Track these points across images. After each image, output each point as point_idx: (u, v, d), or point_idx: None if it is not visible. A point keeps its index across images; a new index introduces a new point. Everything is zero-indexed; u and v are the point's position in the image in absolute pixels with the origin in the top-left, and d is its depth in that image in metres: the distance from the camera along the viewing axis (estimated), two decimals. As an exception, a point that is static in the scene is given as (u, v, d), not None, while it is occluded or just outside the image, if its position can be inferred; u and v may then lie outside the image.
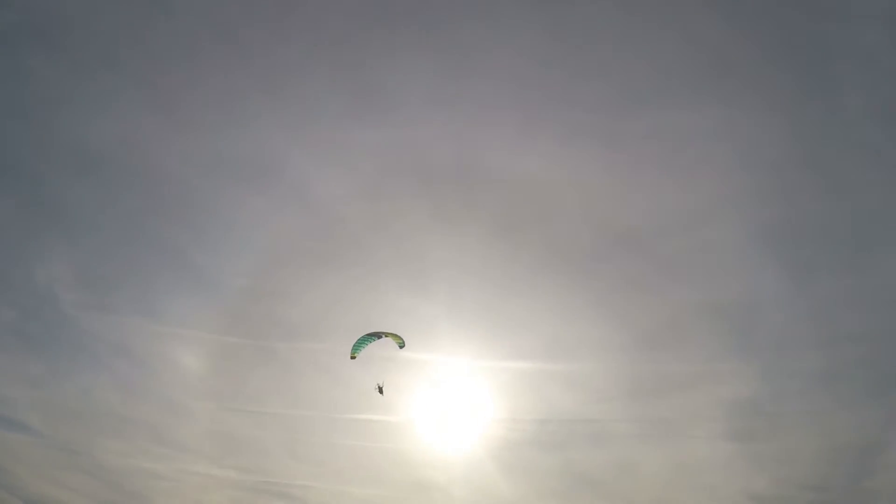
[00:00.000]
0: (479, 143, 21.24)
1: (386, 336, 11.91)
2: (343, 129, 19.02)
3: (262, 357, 20.40)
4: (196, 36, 18.44)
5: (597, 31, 21.33)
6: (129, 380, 19.44)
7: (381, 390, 13.59)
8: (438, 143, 20.95)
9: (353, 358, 11.78)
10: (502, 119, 20.34)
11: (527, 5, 21.05)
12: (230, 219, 19.26)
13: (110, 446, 18.97)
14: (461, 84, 19.44)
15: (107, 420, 18.92)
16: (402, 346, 12.26)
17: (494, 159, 21.96)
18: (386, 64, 18.61)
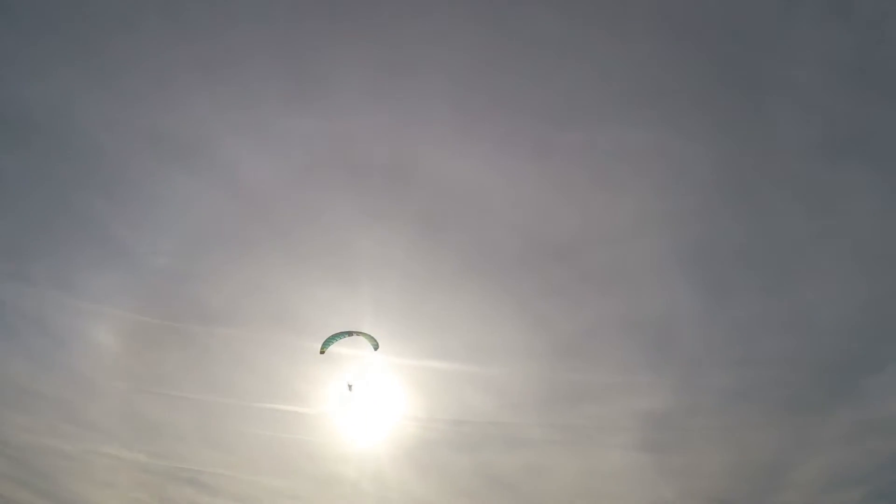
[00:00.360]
0: (414, 141, 21.29)
1: (359, 335, 13.01)
2: (278, 116, 18.88)
3: (179, 340, 20.07)
4: (143, 7, 18.20)
5: (542, 38, 21.61)
6: (40, 353, 18.91)
7: (350, 388, 13.91)
8: (372, 138, 20.93)
9: (322, 353, 13.11)
10: (439, 119, 20.42)
11: (475, 6, 21.21)
12: (157, 196, 18.97)
13: (17, 421, 18.45)
14: (401, 81, 19.49)
15: (14, 394, 18.40)
16: (376, 347, 13.22)
17: (428, 158, 22.03)
18: (327, 55, 18.55)
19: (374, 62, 22.05)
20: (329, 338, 12.56)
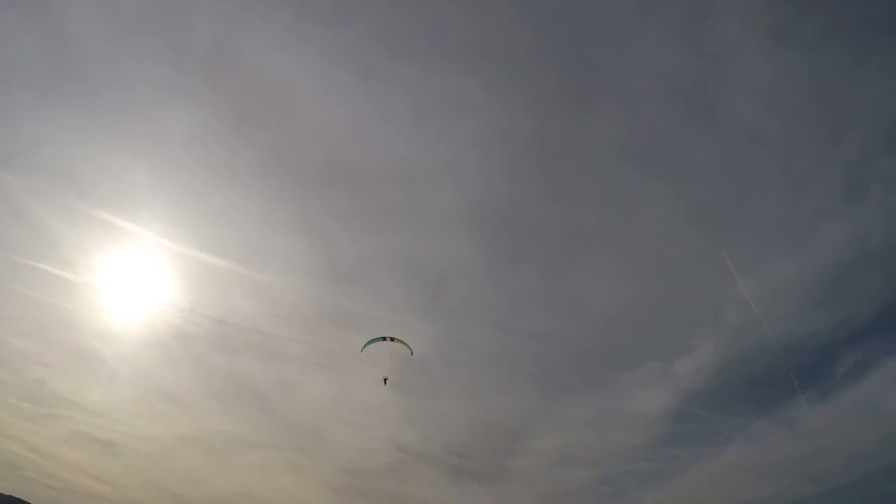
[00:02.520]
0: (243, 30, 21.42)
1: (394, 341, 14.55)
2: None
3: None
4: None
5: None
6: None
7: (385, 381, 15.87)
8: (201, 21, 21.02)
9: (361, 351, 14.75)
10: (277, 16, 20.68)
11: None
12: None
13: None
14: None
15: None
16: (412, 353, 14.73)
17: (255, 52, 22.02)
18: None
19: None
20: (370, 340, 14.61)
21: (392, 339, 14.45)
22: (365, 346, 14.55)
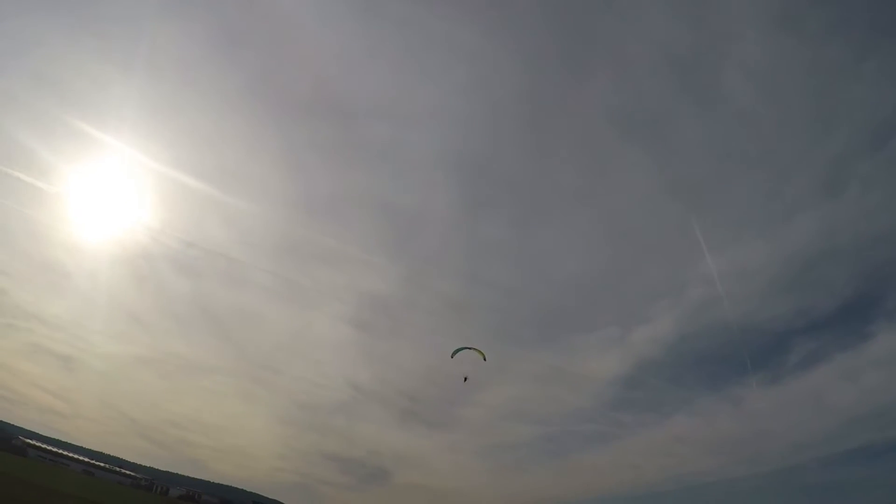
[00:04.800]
0: None
1: (473, 350, 16.36)
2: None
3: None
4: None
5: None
6: None
7: (465, 380, 16.99)
8: None
9: (451, 357, 16.39)
10: None
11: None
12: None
13: None
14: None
15: None
16: (484, 359, 16.35)
17: None
18: None
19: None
20: (457, 349, 16.23)
21: (472, 349, 16.18)
22: (454, 353, 16.25)
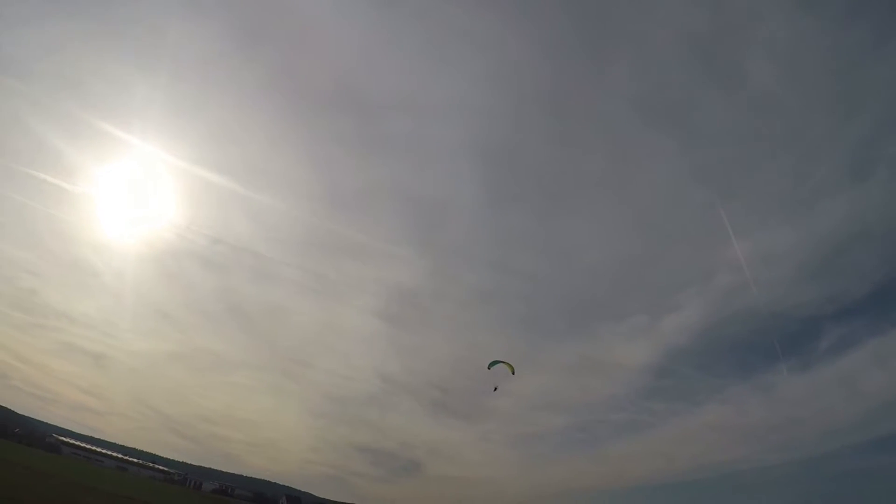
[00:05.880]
0: None
1: (502, 364, 16.60)
2: None
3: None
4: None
5: None
6: None
7: (496, 389, 17.09)
8: None
9: (489, 368, 16.56)
10: None
11: None
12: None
13: None
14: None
15: None
16: (513, 372, 16.49)
17: None
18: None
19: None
20: (492, 362, 16.94)
21: (504, 363, 16.82)
22: (491, 365, 16.90)
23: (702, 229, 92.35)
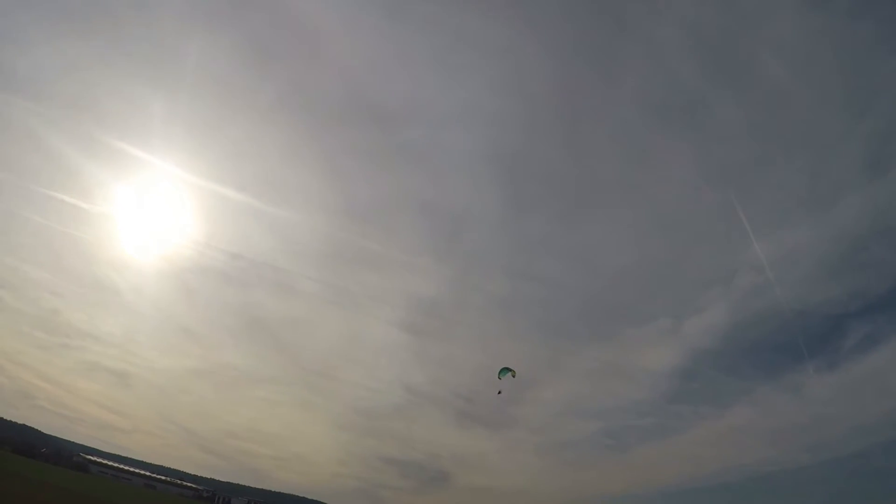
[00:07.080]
0: None
1: (508, 370, 16.70)
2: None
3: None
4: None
5: None
6: None
7: (500, 393, 16.46)
8: None
9: (499, 378, 16.42)
10: None
11: None
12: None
13: None
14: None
15: None
16: (514, 375, 16.55)
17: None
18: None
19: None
20: (503, 369, 16.85)
21: (508, 369, 16.91)
22: (501, 374, 16.89)
23: (721, 229, 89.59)
